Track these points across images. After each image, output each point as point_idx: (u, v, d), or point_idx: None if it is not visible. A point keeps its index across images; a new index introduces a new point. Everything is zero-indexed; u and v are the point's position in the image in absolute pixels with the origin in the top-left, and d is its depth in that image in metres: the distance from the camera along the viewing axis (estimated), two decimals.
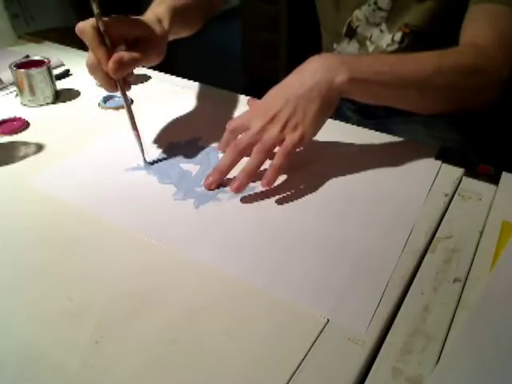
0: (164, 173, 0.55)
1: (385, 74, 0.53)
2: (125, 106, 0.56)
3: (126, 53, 0.53)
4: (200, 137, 0.63)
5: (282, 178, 0.54)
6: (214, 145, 0.61)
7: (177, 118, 0.68)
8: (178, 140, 0.62)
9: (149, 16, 0.59)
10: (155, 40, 0.57)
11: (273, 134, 0.52)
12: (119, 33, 0.53)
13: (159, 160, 0.58)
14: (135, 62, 0.54)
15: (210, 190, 0.52)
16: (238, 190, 0.51)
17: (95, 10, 0.51)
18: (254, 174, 0.52)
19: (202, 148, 0.61)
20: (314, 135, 0.54)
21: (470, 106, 0.61)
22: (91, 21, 0.51)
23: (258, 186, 0.53)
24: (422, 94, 0.56)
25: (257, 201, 0.51)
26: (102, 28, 0.51)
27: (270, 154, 0.52)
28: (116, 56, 0.51)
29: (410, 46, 0.73)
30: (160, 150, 0.60)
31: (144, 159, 0.57)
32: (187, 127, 0.65)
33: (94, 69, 0.53)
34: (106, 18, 0.52)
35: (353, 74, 0.51)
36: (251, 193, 0.52)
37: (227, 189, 0.52)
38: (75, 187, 0.53)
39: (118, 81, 0.54)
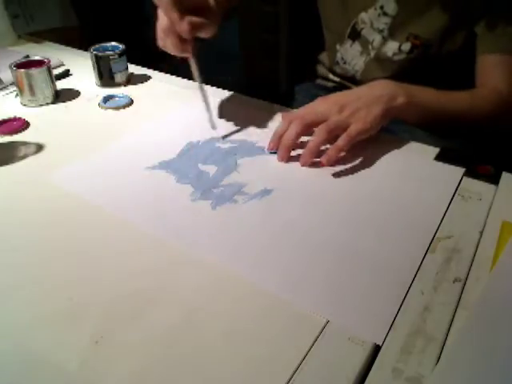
0: (182, 172, 0.56)
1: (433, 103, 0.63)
2: (193, 67, 0.61)
3: (195, 17, 0.55)
4: (218, 138, 0.63)
5: (290, 180, 0.55)
6: (233, 145, 0.61)
7: (192, 118, 0.68)
8: (197, 140, 0.62)
9: None
10: (212, 10, 0.59)
11: (339, 118, 0.56)
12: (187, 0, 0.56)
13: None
14: (203, 26, 0.56)
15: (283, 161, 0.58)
16: (304, 165, 0.57)
17: None
18: (317, 151, 0.56)
19: (220, 149, 0.61)
20: (375, 132, 0.58)
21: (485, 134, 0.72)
22: None
23: (275, 190, 0.53)
24: (454, 123, 0.66)
25: (273, 204, 0.51)
26: None
27: (332, 136, 0.56)
28: (188, 18, 0.54)
29: (418, 59, 0.74)
30: (178, 149, 0.60)
31: (211, 121, 0.62)
32: (204, 127, 0.65)
33: (167, 31, 0.57)
34: None
35: (410, 99, 0.60)
36: (269, 196, 0.52)
37: (244, 191, 0.52)
38: (91, 185, 0.54)
39: (190, 42, 0.58)
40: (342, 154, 0.57)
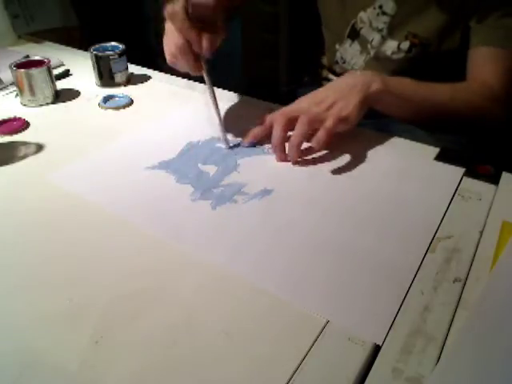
0: (182, 172, 0.56)
1: (409, 91, 0.63)
2: (208, 84, 0.60)
3: (209, 33, 0.54)
4: (218, 137, 0.63)
5: (290, 180, 0.55)
6: (231, 145, 0.61)
7: (192, 118, 0.68)
8: (197, 140, 0.62)
9: None
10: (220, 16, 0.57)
11: (318, 110, 0.57)
12: (202, 14, 0.54)
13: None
14: (219, 39, 0.56)
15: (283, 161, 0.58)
16: (295, 163, 0.57)
17: None
18: (301, 145, 0.56)
19: (220, 149, 0.61)
20: (357, 121, 0.58)
21: (475, 130, 0.72)
22: (181, 3, 0.52)
23: (275, 190, 0.53)
24: (435, 115, 0.65)
25: (273, 204, 0.51)
26: (190, 10, 0.51)
27: (311, 128, 0.56)
28: (206, 36, 0.53)
29: (417, 57, 0.74)
30: (178, 149, 0.60)
31: (225, 138, 0.61)
32: (204, 127, 0.65)
33: (184, 52, 0.54)
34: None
35: (385, 86, 0.60)
36: (269, 196, 0.52)
37: (244, 191, 0.52)
38: (91, 185, 0.54)
39: (205, 60, 0.56)
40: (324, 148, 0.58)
